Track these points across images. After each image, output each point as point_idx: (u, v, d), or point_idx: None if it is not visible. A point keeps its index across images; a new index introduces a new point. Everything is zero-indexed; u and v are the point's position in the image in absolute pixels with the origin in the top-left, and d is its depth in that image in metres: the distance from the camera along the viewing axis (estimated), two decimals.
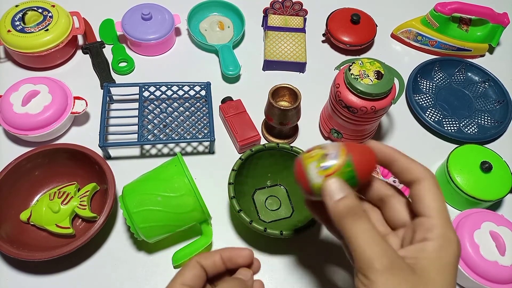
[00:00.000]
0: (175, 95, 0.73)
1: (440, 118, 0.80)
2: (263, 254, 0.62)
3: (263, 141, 0.74)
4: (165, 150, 0.72)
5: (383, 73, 0.62)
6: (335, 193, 0.36)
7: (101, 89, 0.77)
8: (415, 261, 0.34)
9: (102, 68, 0.79)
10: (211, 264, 0.41)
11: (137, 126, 0.69)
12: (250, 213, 0.63)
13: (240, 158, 0.62)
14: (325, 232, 0.65)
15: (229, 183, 0.59)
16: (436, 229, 0.34)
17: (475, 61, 0.90)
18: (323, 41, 0.90)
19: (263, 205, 0.66)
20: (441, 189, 0.68)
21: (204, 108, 0.73)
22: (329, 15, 0.89)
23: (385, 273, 0.33)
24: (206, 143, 0.72)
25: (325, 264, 0.62)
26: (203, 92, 0.74)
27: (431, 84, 0.85)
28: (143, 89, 0.72)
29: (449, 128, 0.78)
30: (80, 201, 0.61)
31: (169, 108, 0.72)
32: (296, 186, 0.42)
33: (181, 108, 0.72)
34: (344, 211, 0.35)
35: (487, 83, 0.85)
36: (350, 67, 0.63)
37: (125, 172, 0.64)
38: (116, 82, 0.78)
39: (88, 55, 0.82)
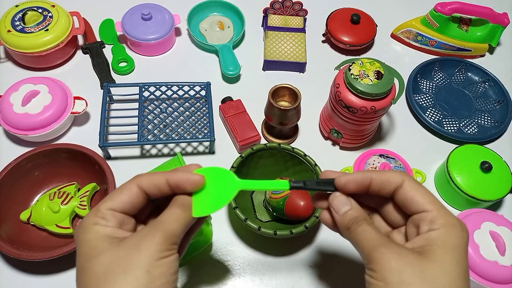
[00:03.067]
0: (175, 95, 0.73)
1: (440, 118, 0.80)
2: (263, 254, 0.63)
3: (263, 141, 0.74)
4: (165, 150, 0.72)
5: (383, 73, 0.62)
6: (340, 208, 0.39)
7: (101, 89, 0.77)
8: (421, 249, 0.35)
9: (102, 68, 0.79)
10: (154, 188, 0.36)
11: (137, 126, 0.69)
12: (248, 212, 0.63)
13: (240, 156, 0.62)
14: (324, 232, 0.65)
15: None
16: (439, 219, 0.35)
17: (475, 61, 0.90)
18: (323, 41, 0.90)
19: (260, 204, 0.66)
20: (441, 189, 0.69)
21: (204, 108, 0.73)
22: (329, 15, 0.89)
23: (389, 261, 0.34)
24: (206, 143, 0.72)
25: (325, 264, 0.62)
26: (203, 92, 0.74)
27: (431, 84, 0.85)
28: (143, 89, 0.72)
29: (449, 128, 0.78)
30: (80, 201, 0.61)
31: (169, 108, 0.72)
32: None
33: (181, 108, 0.72)
34: (349, 222, 0.38)
35: (487, 83, 0.85)
36: (350, 67, 0.63)
37: (125, 172, 0.64)
38: (116, 82, 0.78)
39: (88, 55, 0.82)
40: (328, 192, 0.40)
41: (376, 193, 0.39)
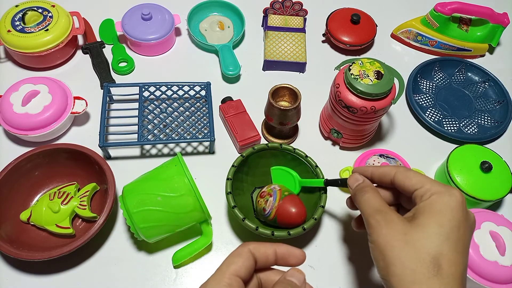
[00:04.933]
0: (175, 95, 0.73)
1: (440, 118, 0.80)
2: None
3: (263, 141, 0.74)
4: (165, 150, 0.72)
5: (383, 73, 0.62)
6: (353, 183, 0.48)
7: (101, 89, 0.77)
8: (411, 218, 0.41)
9: (102, 68, 0.79)
10: (263, 258, 0.37)
11: (137, 126, 0.69)
12: (247, 211, 0.63)
13: (241, 155, 0.62)
14: (324, 232, 0.65)
15: (227, 179, 0.59)
16: (428, 192, 0.40)
17: (475, 61, 0.90)
18: (323, 41, 0.90)
19: None
20: None
21: (204, 108, 0.73)
22: (329, 15, 0.89)
23: (380, 226, 0.41)
24: (206, 143, 0.72)
25: (325, 264, 0.62)
26: (203, 92, 0.74)
27: (431, 84, 0.85)
28: (143, 89, 0.72)
29: (449, 128, 0.78)
30: (80, 201, 0.61)
31: (169, 108, 0.72)
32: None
33: (181, 108, 0.72)
34: (356, 191, 0.47)
35: (487, 83, 0.85)
36: (350, 67, 0.63)
37: (125, 172, 0.64)
38: (116, 82, 0.78)
39: (88, 55, 0.82)
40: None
41: (379, 183, 0.47)
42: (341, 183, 0.56)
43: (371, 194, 0.44)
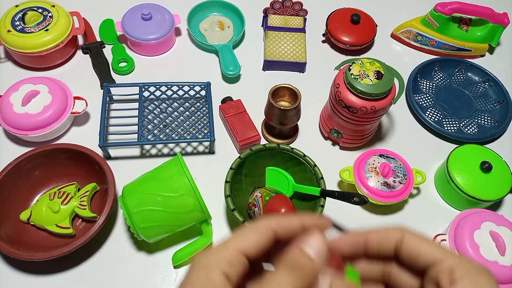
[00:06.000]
0: (175, 95, 0.73)
1: (440, 118, 0.80)
2: None
3: (263, 141, 0.74)
4: (165, 150, 0.72)
5: (383, 73, 0.62)
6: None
7: (101, 89, 0.77)
8: None
9: (102, 68, 0.79)
10: (286, 232, 0.30)
11: (137, 126, 0.69)
12: (247, 212, 0.63)
13: (239, 157, 0.62)
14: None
15: (226, 182, 0.59)
16: (458, 267, 0.29)
17: (475, 61, 0.90)
18: (323, 41, 0.90)
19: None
20: (441, 189, 0.68)
21: (204, 108, 0.73)
22: (329, 15, 0.89)
23: None
24: (206, 143, 0.72)
25: None
26: (203, 92, 0.74)
27: (431, 84, 0.85)
28: (143, 89, 0.72)
29: (449, 128, 0.78)
30: (80, 201, 0.61)
31: (169, 108, 0.72)
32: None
33: (181, 108, 0.72)
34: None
35: (487, 83, 0.85)
36: (350, 67, 0.63)
37: (125, 172, 0.64)
38: (116, 82, 0.78)
39: (88, 55, 0.82)
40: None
41: (376, 253, 0.32)
42: (338, 196, 0.57)
43: None
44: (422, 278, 0.31)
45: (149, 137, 0.68)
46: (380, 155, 0.67)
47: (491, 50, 0.92)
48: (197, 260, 0.28)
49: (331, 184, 0.70)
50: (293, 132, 0.75)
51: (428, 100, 0.82)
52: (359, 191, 0.64)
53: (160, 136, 0.68)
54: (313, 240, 0.28)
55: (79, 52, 0.83)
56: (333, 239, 0.32)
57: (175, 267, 0.60)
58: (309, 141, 0.75)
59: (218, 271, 0.26)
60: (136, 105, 0.71)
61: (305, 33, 0.86)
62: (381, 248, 0.32)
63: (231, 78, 0.81)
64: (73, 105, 0.70)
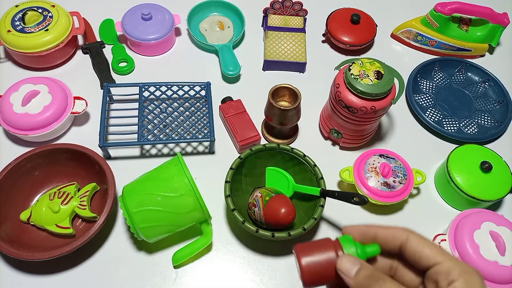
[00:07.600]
0: (175, 95, 0.73)
1: (440, 118, 0.80)
2: (263, 254, 0.62)
3: (263, 141, 0.74)
4: (165, 150, 0.72)
5: (383, 73, 0.62)
6: (350, 270, 0.35)
7: (101, 89, 0.77)
8: None
9: (102, 68, 0.79)
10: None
11: (137, 126, 0.69)
12: (247, 212, 0.63)
13: (239, 157, 0.62)
14: (324, 233, 0.65)
15: (226, 182, 0.59)
16: (455, 269, 0.34)
17: (475, 61, 0.90)
18: (323, 41, 0.90)
19: None
20: (441, 189, 0.68)
21: (204, 108, 0.73)
22: (329, 15, 0.89)
23: None
24: (206, 143, 0.72)
25: None
26: (203, 92, 0.74)
27: (431, 84, 0.85)
28: (143, 89, 0.72)
29: (449, 128, 0.78)
30: (80, 201, 0.61)
31: (169, 108, 0.72)
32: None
33: (181, 108, 0.72)
34: (365, 281, 0.35)
35: (487, 83, 0.85)
36: (350, 67, 0.63)
37: (125, 172, 0.64)
38: (116, 82, 0.78)
39: (88, 55, 0.82)
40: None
41: (382, 249, 0.37)
42: (338, 196, 0.57)
43: (391, 281, 0.35)
44: (423, 276, 0.36)
45: (149, 137, 0.68)
46: (380, 155, 0.67)
47: (491, 50, 0.92)
48: None
49: (331, 184, 0.70)
50: (293, 132, 0.75)
51: (428, 100, 0.82)
52: (359, 191, 0.64)
53: (160, 136, 0.68)
54: (347, 262, 0.35)
55: (79, 52, 0.83)
56: (346, 226, 0.38)
57: (175, 267, 0.60)
58: (309, 141, 0.75)
59: None
60: (136, 105, 0.71)
61: (305, 33, 0.86)
62: (386, 245, 0.37)
63: (231, 78, 0.81)
64: (73, 105, 0.70)
